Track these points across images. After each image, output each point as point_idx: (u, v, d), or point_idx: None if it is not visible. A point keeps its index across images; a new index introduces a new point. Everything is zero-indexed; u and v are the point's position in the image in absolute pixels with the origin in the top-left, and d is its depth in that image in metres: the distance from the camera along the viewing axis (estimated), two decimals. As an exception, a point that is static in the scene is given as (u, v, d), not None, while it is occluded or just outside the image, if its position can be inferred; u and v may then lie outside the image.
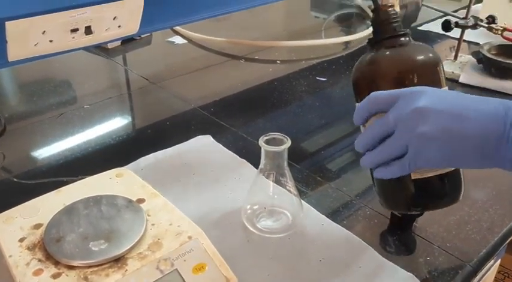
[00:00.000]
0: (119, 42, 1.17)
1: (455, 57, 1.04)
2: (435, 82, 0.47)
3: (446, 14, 1.27)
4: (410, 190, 0.48)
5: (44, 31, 0.59)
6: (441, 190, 0.49)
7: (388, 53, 0.48)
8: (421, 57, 0.47)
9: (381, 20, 0.49)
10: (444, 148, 0.41)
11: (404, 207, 0.52)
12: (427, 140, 0.41)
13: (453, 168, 0.48)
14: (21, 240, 0.46)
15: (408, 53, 0.48)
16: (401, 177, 0.46)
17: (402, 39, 0.49)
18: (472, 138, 0.40)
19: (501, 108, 0.40)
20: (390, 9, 0.49)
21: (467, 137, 0.40)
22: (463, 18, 0.98)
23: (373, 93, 0.45)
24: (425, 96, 0.42)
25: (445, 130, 0.41)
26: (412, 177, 0.47)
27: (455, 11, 1.39)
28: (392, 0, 0.66)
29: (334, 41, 1.21)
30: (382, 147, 0.45)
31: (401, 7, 1.47)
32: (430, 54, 0.48)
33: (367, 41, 0.51)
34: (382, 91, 0.45)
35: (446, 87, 0.48)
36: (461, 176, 0.50)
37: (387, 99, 0.44)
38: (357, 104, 0.48)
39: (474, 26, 0.97)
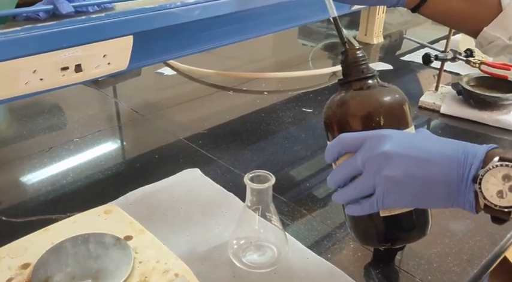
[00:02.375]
0: (109, 74, 1.19)
1: (436, 88, 1.07)
2: (401, 123, 0.49)
3: (425, 46, 1.32)
4: (379, 226, 0.51)
5: (35, 70, 0.60)
6: (409, 226, 0.51)
7: (356, 95, 0.50)
8: (387, 100, 0.49)
9: (349, 62, 0.51)
10: (409, 191, 0.44)
11: (374, 242, 0.54)
12: (393, 183, 0.44)
13: None
14: (9, 280, 0.47)
15: (375, 96, 0.49)
16: (371, 214, 0.48)
17: (370, 81, 0.50)
18: (435, 183, 0.43)
19: (461, 152, 0.43)
20: (358, 51, 0.51)
21: (430, 181, 0.43)
22: (443, 52, 1.02)
23: (342, 135, 0.48)
24: (391, 141, 0.44)
25: (409, 174, 0.43)
26: (381, 215, 0.49)
27: (438, 41, 1.44)
28: (378, 32, 0.68)
29: (320, 72, 1.24)
30: (352, 186, 0.47)
31: (385, 37, 1.52)
32: (397, 96, 0.50)
33: (337, 80, 0.53)
34: (350, 133, 0.48)
35: (413, 126, 0.50)
36: (429, 212, 0.52)
37: (355, 141, 0.47)
38: (328, 143, 0.51)
39: (453, 59, 1.00)
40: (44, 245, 0.51)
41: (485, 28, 0.57)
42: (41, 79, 0.62)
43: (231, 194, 0.73)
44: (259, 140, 0.93)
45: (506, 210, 0.41)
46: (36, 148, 0.88)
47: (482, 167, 0.41)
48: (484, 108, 0.98)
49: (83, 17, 0.59)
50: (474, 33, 0.60)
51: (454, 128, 0.99)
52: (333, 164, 0.51)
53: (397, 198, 0.45)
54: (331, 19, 0.53)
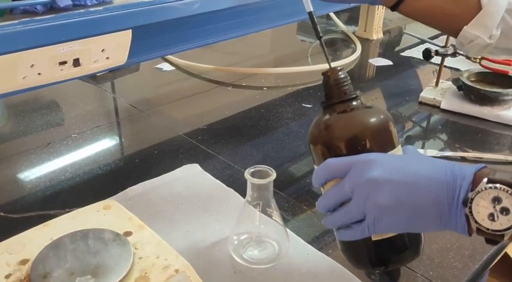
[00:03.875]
0: (107, 70, 1.18)
1: (437, 83, 1.07)
2: (388, 144, 0.48)
3: (424, 42, 1.31)
4: (371, 250, 0.49)
5: (33, 64, 0.60)
6: (402, 248, 0.49)
7: (340, 118, 0.48)
8: (372, 122, 0.47)
9: (331, 84, 0.49)
10: (400, 217, 0.43)
11: (367, 266, 0.53)
12: (383, 210, 0.43)
13: None
14: (8, 276, 0.46)
15: (360, 118, 0.48)
16: (363, 238, 0.47)
17: (354, 103, 0.48)
18: (425, 207, 0.42)
19: (449, 174, 0.42)
20: (340, 72, 0.49)
21: (420, 206, 0.42)
22: (443, 47, 1.01)
23: (328, 161, 0.46)
24: (378, 166, 0.43)
25: (399, 201, 0.42)
26: (373, 239, 0.48)
27: (438, 36, 1.44)
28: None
29: (320, 67, 1.23)
30: (342, 212, 0.46)
31: (384, 32, 1.51)
32: (382, 117, 0.48)
33: (320, 103, 0.51)
34: (337, 159, 0.46)
35: (399, 146, 0.49)
36: (421, 233, 0.50)
37: (341, 167, 0.45)
38: (315, 168, 0.49)
39: (453, 54, 1.00)
40: (42, 240, 0.50)
41: (465, 27, 0.56)
42: (39, 73, 0.61)
43: (231, 189, 0.72)
44: (259, 135, 0.92)
45: (498, 233, 0.40)
46: (34, 144, 0.87)
47: (472, 189, 0.41)
48: (484, 103, 0.97)
49: (81, 11, 0.58)
50: (455, 33, 0.59)
51: (455, 124, 0.98)
52: (321, 188, 0.50)
53: (388, 224, 0.44)
54: (307, 13, 0.52)
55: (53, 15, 0.56)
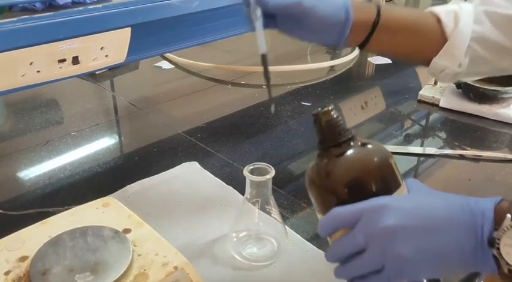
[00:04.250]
0: (106, 68, 1.18)
1: (436, 82, 1.07)
2: (393, 183, 0.45)
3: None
4: None
5: (32, 62, 0.60)
6: None
7: (339, 162, 0.45)
8: (374, 161, 0.44)
9: (323, 127, 0.45)
10: (422, 266, 0.41)
11: None
12: (403, 261, 0.40)
13: None
14: (7, 273, 0.47)
15: (361, 160, 0.45)
16: None
17: (351, 142, 0.45)
18: (447, 252, 0.40)
19: (467, 212, 0.40)
20: (332, 112, 0.45)
21: (442, 251, 0.40)
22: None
23: (335, 210, 0.43)
24: (391, 212, 0.41)
25: (420, 249, 0.40)
26: None
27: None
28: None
29: (319, 65, 1.23)
30: (357, 263, 0.43)
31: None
32: (382, 154, 0.45)
33: (316, 144, 0.47)
34: (344, 207, 0.43)
35: (404, 183, 0.46)
36: None
37: (350, 216, 0.42)
38: (320, 218, 0.46)
39: (452, 52, 1.00)
40: (41, 238, 0.50)
41: (434, 59, 0.56)
42: (38, 71, 0.61)
43: (230, 187, 0.72)
44: (258, 133, 0.92)
45: None
46: (33, 142, 0.87)
47: (495, 228, 0.38)
48: (483, 101, 0.98)
49: (80, 8, 0.58)
50: (424, 63, 0.59)
51: (453, 122, 0.99)
52: (328, 237, 0.46)
53: (411, 274, 0.41)
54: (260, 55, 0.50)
55: (52, 13, 0.56)
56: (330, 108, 0.45)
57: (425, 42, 0.57)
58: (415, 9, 0.60)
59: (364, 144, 0.46)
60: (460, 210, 0.40)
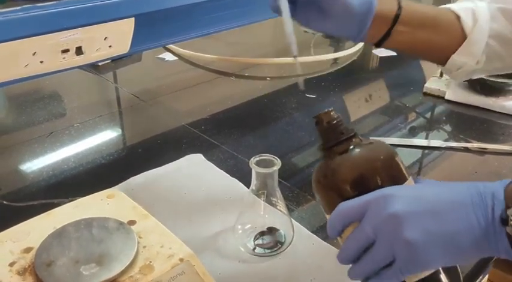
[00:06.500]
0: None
1: (441, 74, 1.06)
2: (398, 176, 0.44)
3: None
4: None
5: (35, 52, 0.59)
6: None
7: (343, 159, 0.45)
8: (379, 157, 0.44)
9: (325, 127, 0.46)
10: (432, 251, 0.39)
11: None
12: (413, 247, 0.39)
13: None
14: (12, 264, 0.46)
15: (365, 156, 0.45)
16: None
17: (353, 140, 0.46)
18: (458, 235, 0.39)
19: (475, 195, 0.39)
20: (332, 113, 0.46)
21: (452, 235, 0.39)
22: (448, 37, 1.00)
23: (341, 206, 0.43)
24: (396, 199, 0.40)
25: (428, 233, 0.39)
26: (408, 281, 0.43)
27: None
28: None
29: (323, 57, 1.22)
30: (368, 259, 0.42)
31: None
32: (387, 151, 0.45)
33: (317, 147, 0.47)
34: (349, 201, 0.42)
35: (411, 178, 0.46)
36: (458, 267, 0.46)
37: (356, 209, 0.42)
38: (327, 217, 0.45)
39: (459, 44, 0.99)
40: (46, 229, 0.50)
41: (453, 55, 0.56)
42: (41, 62, 0.60)
43: (235, 179, 0.72)
44: (263, 125, 0.92)
45: None
46: (37, 133, 0.87)
47: (507, 207, 0.37)
48: (489, 94, 0.97)
49: (84, -3, 0.57)
50: (441, 61, 0.59)
51: (459, 114, 0.98)
52: (338, 238, 0.45)
53: (422, 262, 0.40)
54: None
55: (55, 2, 0.55)
56: (330, 109, 0.46)
57: (445, 39, 0.57)
58: (433, 6, 0.60)
59: (367, 142, 0.46)
60: (467, 194, 0.40)
